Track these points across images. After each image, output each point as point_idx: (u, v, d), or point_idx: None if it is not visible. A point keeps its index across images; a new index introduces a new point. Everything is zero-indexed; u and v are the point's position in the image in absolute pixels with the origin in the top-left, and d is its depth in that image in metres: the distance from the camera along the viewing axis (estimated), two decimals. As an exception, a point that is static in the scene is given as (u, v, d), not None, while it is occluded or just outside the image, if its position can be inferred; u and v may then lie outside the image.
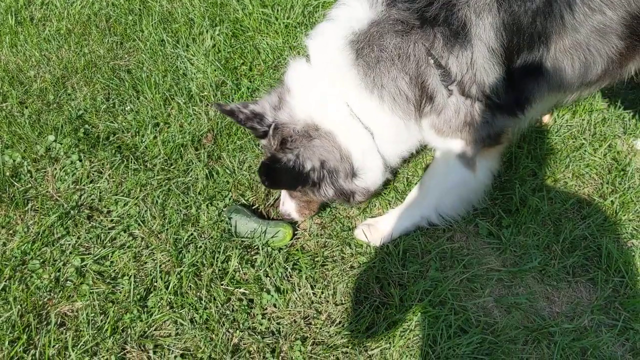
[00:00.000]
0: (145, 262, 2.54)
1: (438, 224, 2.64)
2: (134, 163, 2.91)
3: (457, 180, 2.52)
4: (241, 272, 2.51)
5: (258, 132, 2.38)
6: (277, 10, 3.71)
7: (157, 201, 2.75)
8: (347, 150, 2.29)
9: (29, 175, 2.88)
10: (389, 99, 2.18)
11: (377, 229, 2.62)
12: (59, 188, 2.83)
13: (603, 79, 2.40)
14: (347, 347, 2.28)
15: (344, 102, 2.22)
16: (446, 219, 2.64)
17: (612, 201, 2.75)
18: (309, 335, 2.33)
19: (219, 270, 2.49)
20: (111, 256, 2.56)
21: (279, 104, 2.33)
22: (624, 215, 2.70)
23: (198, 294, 2.42)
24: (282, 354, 2.28)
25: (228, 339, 2.31)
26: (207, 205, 2.74)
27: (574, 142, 3.02)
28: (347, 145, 2.28)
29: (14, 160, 2.93)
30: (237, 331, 2.33)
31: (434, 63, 2.11)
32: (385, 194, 2.82)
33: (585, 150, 2.98)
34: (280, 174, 2.25)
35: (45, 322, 2.35)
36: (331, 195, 2.39)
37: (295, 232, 2.68)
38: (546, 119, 3.14)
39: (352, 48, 2.15)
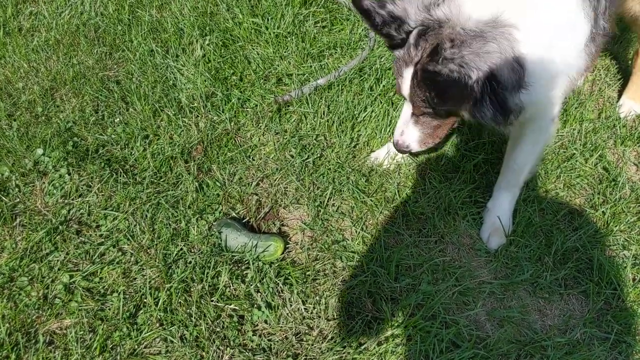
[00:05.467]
0: (135, 278, 2.52)
1: None
2: (123, 176, 2.88)
3: (546, 138, 2.50)
4: (231, 287, 2.48)
5: (394, 40, 2.01)
6: (268, 19, 3.69)
7: (146, 215, 2.72)
8: (523, 53, 1.91)
9: (17, 189, 2.84)
10: (588, 15, 2.05)
11: (498, 230, 2.63)
12: (47, 202, 2.80)
13: None
14: (339, 363, 2.27)
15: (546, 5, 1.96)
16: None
17: (603, 212, 2.75)
18: (300, 352, 2.31)
19: (209, 286, 2.47)
20: (100, 272, 2.53)
21: (432, 2, 1.95)
22: (615, 226, 2.70)
23: (188, 310, 2.39)
24: (273, 371, 2.27)
25: (219, 357, 2.28)
26: (196, 219, 2.71)
27: (564, 152, 3.02)
28: (528, 46, 1.91)
29: (2, 175, 2.90)
30: (228, 348, 2.30)
31: None
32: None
33: (576, 160, 2.97)
34: (446, 88, 1.92)
35: (33, 341, 2.32)
36: (490, 115, 1.99)
37: (287, 246, 2.66)
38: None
39: None
